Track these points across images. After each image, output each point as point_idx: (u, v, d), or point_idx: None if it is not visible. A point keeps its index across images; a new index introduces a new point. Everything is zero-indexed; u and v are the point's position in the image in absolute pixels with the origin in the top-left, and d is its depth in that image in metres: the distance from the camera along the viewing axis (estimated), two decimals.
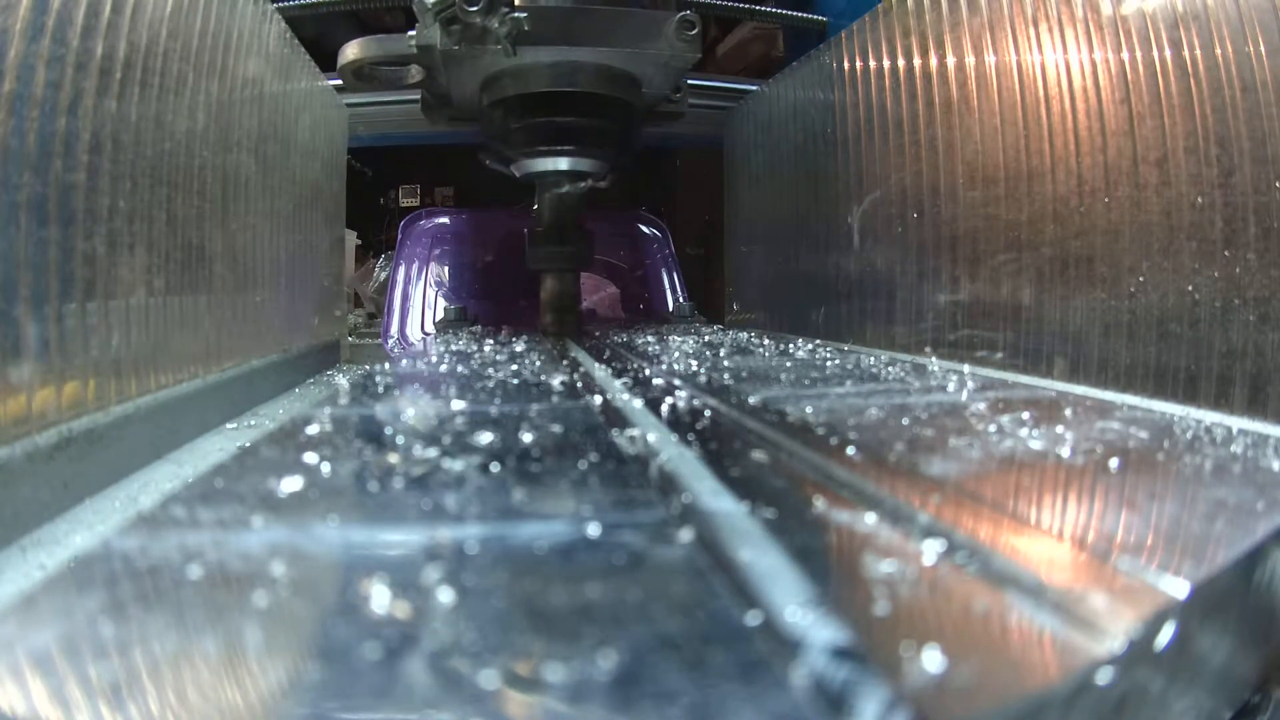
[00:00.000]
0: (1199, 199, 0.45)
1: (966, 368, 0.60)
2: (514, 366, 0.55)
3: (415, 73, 0.82)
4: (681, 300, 1.24)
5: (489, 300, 1.21)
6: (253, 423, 0.58)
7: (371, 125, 1.16)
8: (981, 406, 0.41)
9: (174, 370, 0.50)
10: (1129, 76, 0.49)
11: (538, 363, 0.58)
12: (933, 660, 0.15)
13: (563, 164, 0.86)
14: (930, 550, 0.21)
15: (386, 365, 0.58)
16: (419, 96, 0.94)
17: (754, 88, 1.12)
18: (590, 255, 0.97)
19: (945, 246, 0.67)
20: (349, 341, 1.09)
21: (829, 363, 0.61)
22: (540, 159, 0.87)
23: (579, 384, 0.48)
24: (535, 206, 0.94)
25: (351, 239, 1.46)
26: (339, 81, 0.81)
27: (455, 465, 0.28)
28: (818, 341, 0.83)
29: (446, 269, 1.24)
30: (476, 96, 0.86)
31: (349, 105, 1.09)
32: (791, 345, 0.76)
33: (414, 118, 1.01)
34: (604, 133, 0.85)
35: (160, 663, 0.15)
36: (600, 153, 0.87)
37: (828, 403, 0.42)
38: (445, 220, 1.31)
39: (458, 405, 0.39)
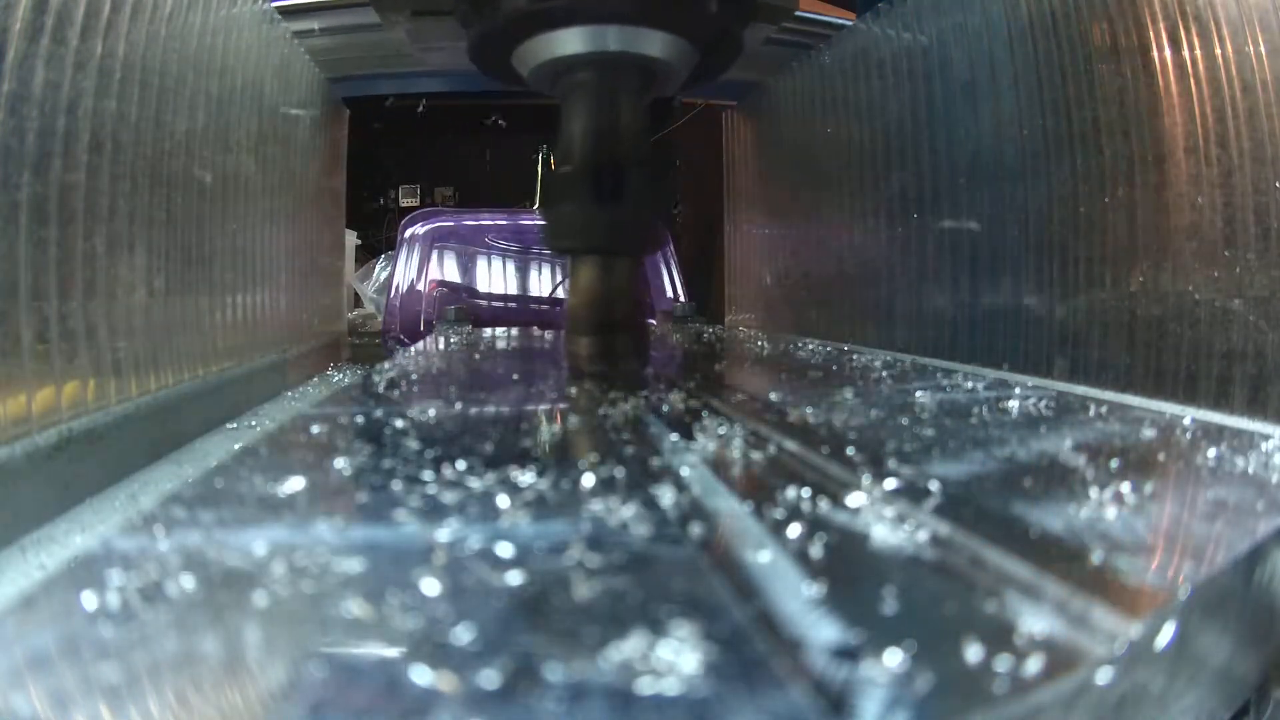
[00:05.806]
0: (1199, 199, 0.45)
1: (965, 368, 0.60)
2: None
3: None
4: (682, 300, 1.24)
5: (490, 300, 1.20)
6: (253, 423, 0.58)
7: (331, 63, 0.86)
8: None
9: (174, 370, 0.50)
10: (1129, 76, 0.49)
11: None
12: (932, 660, 0.15)
13: (611, 40, 0.47)
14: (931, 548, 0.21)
15: (387, 365, 0.58)
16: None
17: (847, 22, 0.82)
18: (661, 228, 0.54)
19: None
20: (349, 341, 1.09)
21: None
22: (566, 31, 0.47)
23: None
24: (560, 131, 0.50)
25: (351, 239, 1.46)
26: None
27: None
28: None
29: (446, 269, 1.24)
30: None
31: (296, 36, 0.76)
32: None
33: (374, 52, 0.78)
34: None
35: (160, 663, 0.15)
36: (682, 24, 0.47)
37: None
38: (445, 220, 1.31)
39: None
